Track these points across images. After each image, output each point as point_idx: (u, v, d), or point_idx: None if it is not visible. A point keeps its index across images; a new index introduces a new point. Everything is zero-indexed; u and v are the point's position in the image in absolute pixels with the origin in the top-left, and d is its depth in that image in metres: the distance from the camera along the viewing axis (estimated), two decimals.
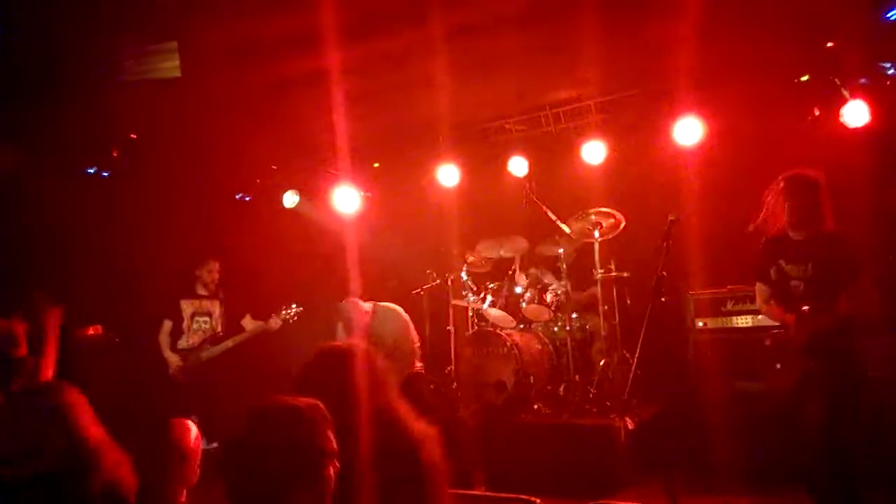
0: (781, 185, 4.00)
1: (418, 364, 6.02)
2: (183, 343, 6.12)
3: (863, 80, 5.27)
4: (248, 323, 6.14)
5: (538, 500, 3.05)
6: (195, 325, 6.18)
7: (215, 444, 4.17)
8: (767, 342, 4.27)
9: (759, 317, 5.12)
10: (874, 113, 5.15)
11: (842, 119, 5.23)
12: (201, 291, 6.27)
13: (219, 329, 6.20)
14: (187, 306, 6.20)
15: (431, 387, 6.17)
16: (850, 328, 3.82)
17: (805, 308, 3.89)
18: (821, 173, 4.00)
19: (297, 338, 7.17)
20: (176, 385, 6.02)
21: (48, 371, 3.28)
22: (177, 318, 6.15)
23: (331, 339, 7.31)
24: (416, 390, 5.89)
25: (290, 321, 6.16)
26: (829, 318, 3.78)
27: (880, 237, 4.89)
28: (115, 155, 6.53)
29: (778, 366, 4.18)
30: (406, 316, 6.05)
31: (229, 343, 6.08)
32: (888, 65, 5.24)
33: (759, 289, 4.26)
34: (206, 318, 6.23)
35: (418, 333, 6.16)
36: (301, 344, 7.39)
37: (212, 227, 6.99)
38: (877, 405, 4.23)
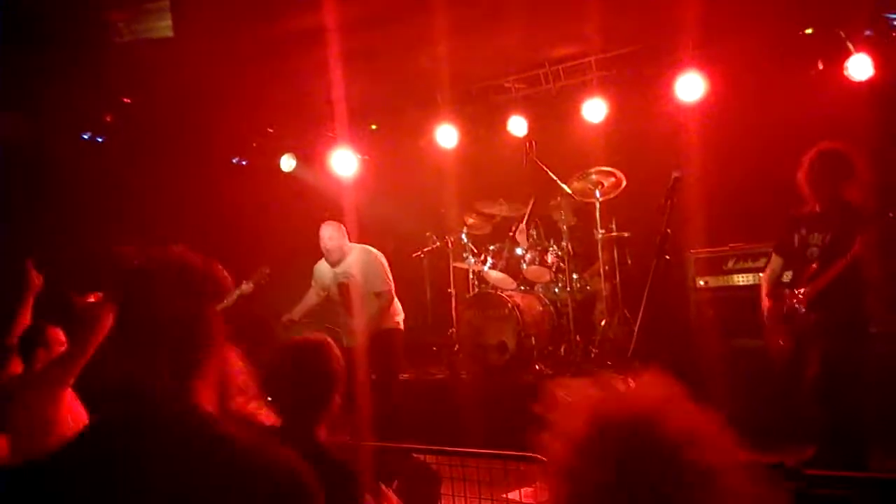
0: (807, 160, 4.08)
1: (398, 319, 5.58)
2: None
3: (868, 33, 5.16)
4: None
5: (543, 458, 3.07)
6: None
7: None
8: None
9: (761, 275, 5.12)
10: (879, 66, 5.06)
11: (846, 72, 5.14)
12: None
13: None
14: None
15: (434, 349, 6.08)
16: (854, 276, 3.88)
17: (813, 266, 3.99)
18: (847, 145, 4.04)
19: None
20: None
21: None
22: None
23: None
24: (388, 347, 5.44)
25: (263, 283, 6.13)
26: (831, 273, 3.88)
27: (883, 192, 4.85)
28: (108, 120, 6.45)
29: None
30: (383, 259, 5.58)
31: None
32: (894, 16, 5.13)
33: (773, 260, 4.37)
34: None
35: (419, 296, 6.07)
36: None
37: (207, 194, 6.91)
38: (880, 360, 4.23)
